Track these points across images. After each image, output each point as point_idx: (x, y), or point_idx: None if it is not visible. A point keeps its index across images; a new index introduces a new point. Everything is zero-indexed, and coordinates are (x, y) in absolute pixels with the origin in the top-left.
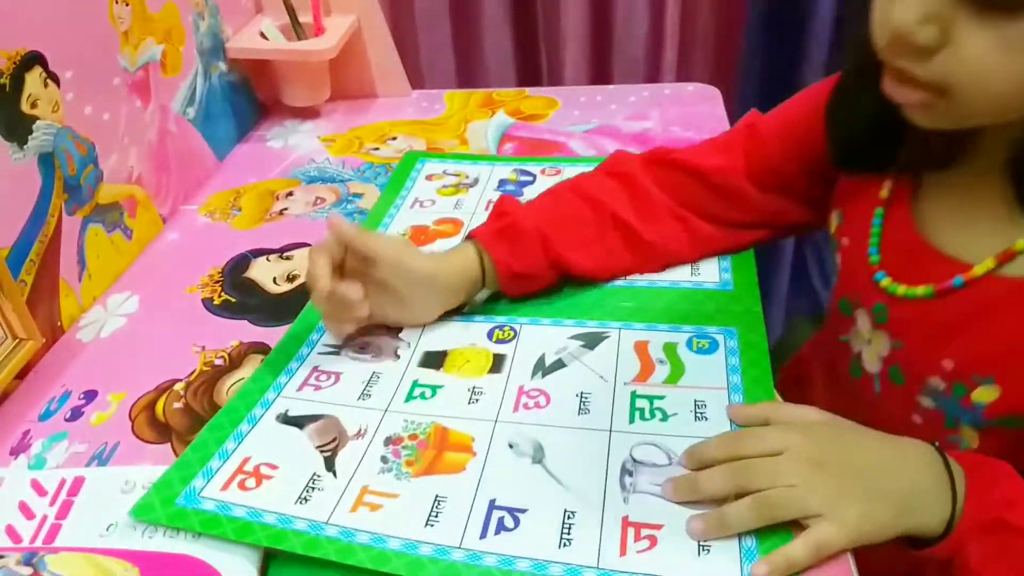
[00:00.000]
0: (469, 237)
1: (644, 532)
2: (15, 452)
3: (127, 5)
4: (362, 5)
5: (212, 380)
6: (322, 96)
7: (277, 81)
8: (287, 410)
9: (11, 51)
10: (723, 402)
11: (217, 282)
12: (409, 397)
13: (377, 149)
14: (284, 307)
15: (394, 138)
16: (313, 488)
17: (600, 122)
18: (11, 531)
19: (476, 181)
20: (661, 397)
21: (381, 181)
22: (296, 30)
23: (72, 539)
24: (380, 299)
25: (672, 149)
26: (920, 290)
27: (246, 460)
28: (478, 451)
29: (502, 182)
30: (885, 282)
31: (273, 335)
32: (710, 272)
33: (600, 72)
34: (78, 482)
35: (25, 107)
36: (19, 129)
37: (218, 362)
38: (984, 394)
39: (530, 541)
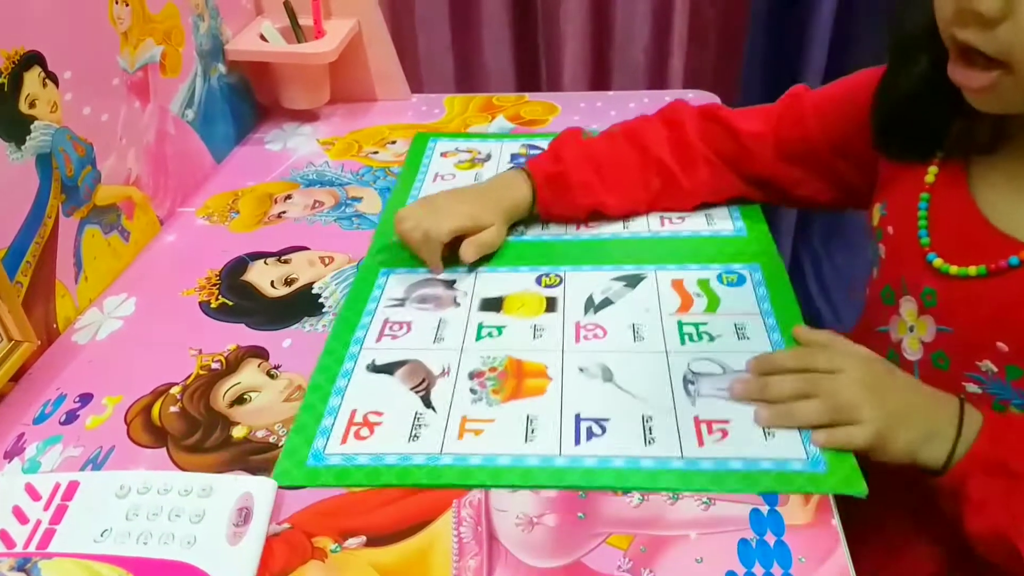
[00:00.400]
0: (527, 168)
1: (716, 426)
2: (9, 456)
3: (127, 5)
4: (362, 8)
5: (209, 384)
6: (321, 99)
7: (276, 84)
8: (374, 360)
9: (10, 50)
10: (759, 325)
11: (214, 285)
12: (479, 337)
13: (376, 153)
14: (282, 311)
15: (393, 142)
16: (420, 425)
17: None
18: (4, 536)
19: (489, 156)
20: (704, 324)
21: (380, 185)
22: (296, 33)
23: (66, 545)
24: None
25: (722, 107)
26: (973, 270)
27: (354, 412)
28: (553, 376)
29: (513, 156)
30: (938, 262)
31: (271, 339)
32: (724, 223)
33: (599, 77)
34: (72, 487)
35: (23, 107)
36: (17, 129)
37: (215, 366)
38: None
39: (619, 443)
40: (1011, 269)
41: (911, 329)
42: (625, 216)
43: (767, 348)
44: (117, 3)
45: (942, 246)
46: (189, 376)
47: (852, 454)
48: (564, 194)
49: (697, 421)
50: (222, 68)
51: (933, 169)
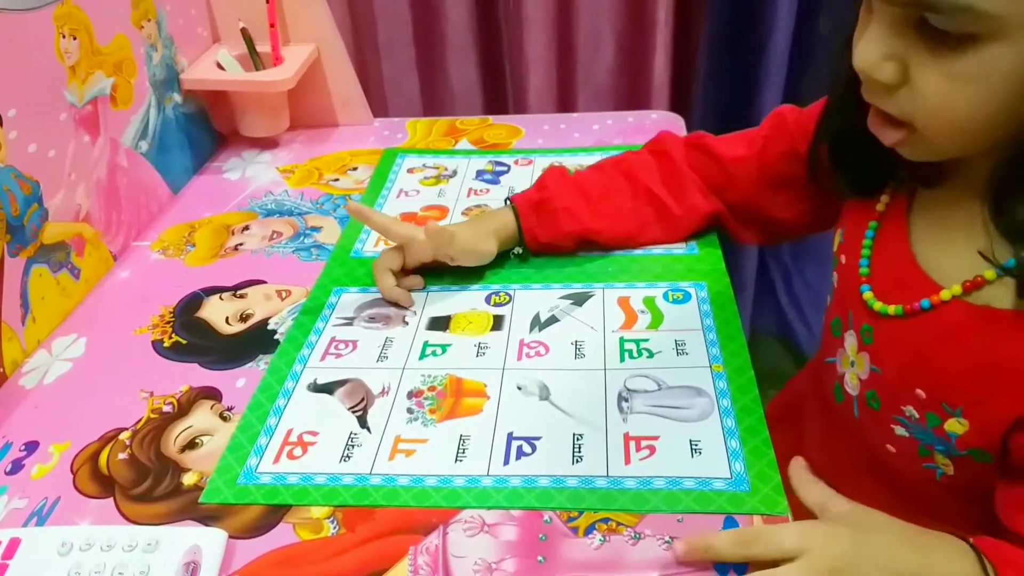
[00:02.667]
0: (511, 201)
1: (644, 443)
2: None
3: (75, 39)
4: (321, 34)
5: (160, 428)
6: (281, 126)
7: (234, 112)
8: (315, 379)
9: None
10: (700, 341)
11: (168, 323)
12: (423, 355)
13: (337, 180)
14: (236, 348)
15: (355, 168)
16: (353, 446)
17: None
18: None
19: (455, 172)
20: (646, 340)
21: (340, 213)
22: (254, 60)
23: None
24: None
25: (707, 136)
26: (892, 308)
27: (289, 432)
28: (491, 395)
29: (479, 172)
30: (867, 296)
31: (224, 379)
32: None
33: (566, 99)
34: (14, 544)
35: None
36: None
37: (166, 409)
38: (956, 426)
39: (547, 462)
40: (923, 312)
41: (852, 364)
42: (619, 245)
43: (705, 363)
44: (64, 37)
45: (876, 280)
46: (139, 420)
47: (777, 475)
48: (549, 219)
49: (627, 438)
50: (177, 97)
51: (884, 198)
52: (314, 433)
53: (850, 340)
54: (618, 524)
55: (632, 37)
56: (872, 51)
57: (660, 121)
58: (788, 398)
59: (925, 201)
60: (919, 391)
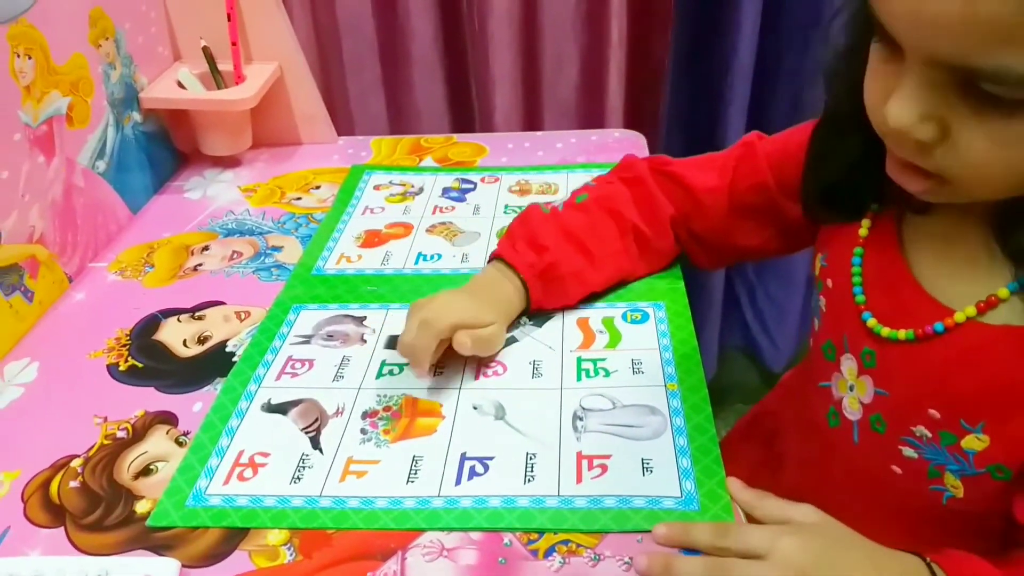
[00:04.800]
0: (513, 268)
1: (596, 462)
2: None
3: (30, 59)
4: (284, 52)
5: (113, 455)
6: (243, 145)
7: (195, 131)
8: (270, 399)
9: None
10: (656, 360)
11: (124, 346)
12: (379, 375)
13: (299, 199)
14: (194, 372)
15: (318, 187)
16: (304, 467)
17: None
18: None
19: (421, 190)
20: (603, 359)
21: (302, 232)
22: (215, 78)
23: None
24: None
25: (671, 161)
26: (902, 333)
27: (240, 453)
28: (447, 415)
29: (446, 190)
30: (872, 323)
31: (181, 403)
32: None
33: (532, 117)
34: None
35: None
36: None
37: (120, 434)
38: (974, 442)
39: (499, 482)
40: (937, 335)
41: (851, 388)
42: (614, 287)
43: (660, 382)
44: (19, 56)
45: (877, 306)
46: (92, 447)
47: (727, 495)
48: (556, 287)
49: (580, 457)
50: (137, 116)
51: (866, 222)
52: (265, 454)
53: (848, 364)
54: (578, 546)
55: (593, 55)
56: (909, 111)
57: (622, 139)
58: (759, 417)
59: (917, 225)
60: (932, 411)
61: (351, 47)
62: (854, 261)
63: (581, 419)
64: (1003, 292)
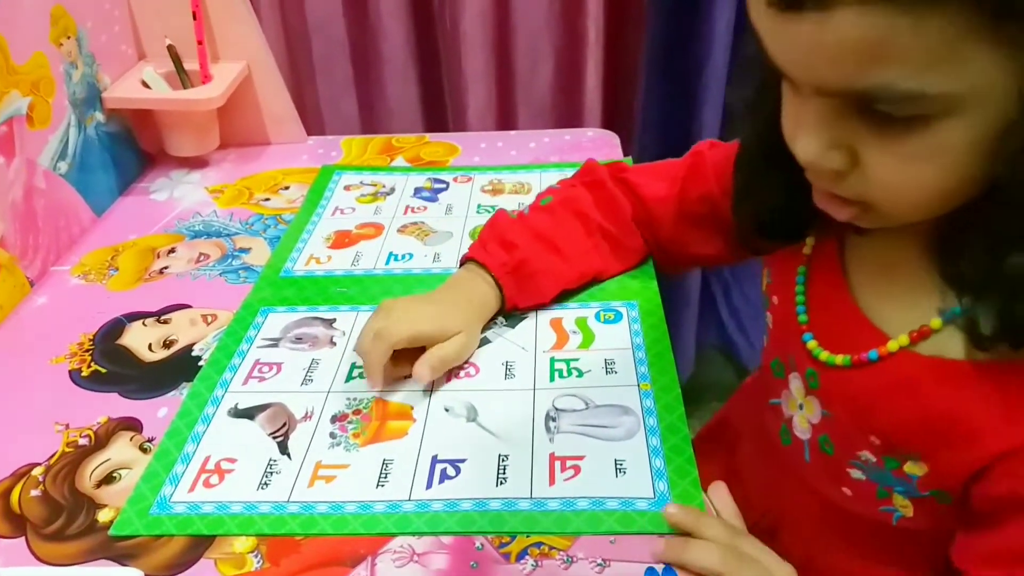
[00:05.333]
0: (485, 268)
1: (569, 463)
2: None
3: None
4: (252, 51)
5: (75, 463)
6: (210, 145)
7: (161, 131)
8: (236, 404)
9: None
10: (629, 359)
11: (87, 351)
12: (349, 378)
13: (268, 200)
14: (159, 376)
15: (286, 187)
16: (271, 472)
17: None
18: None
19: (392, 190)
20: (576, 360)
21: (271, 234)
22: (181, 78)
23: None
24: None
25: (628, 168)
26: (839, 359)
27: (207, 459)
28: (417, 417)
29: (417, 190)
30: (811, 344)
31: (145, 408)
32: None
33: (506, 116)
34: None
35: None
36: None
37: (82, 441)
38: (915, 468)
39: (471, 484)
40: (871, 363)
41: (800, 407)
42: (588, 285)
43: (633, 382)
44: None
45: (818, 327)
46: (54, 455)
47: (701, 494)
48: (528, 284)
49: (552, 458)
50: (100, 116)
51: (810, 240)
52: (232, 460)
53: (795, 383)
54: (550, 548)
55: (568, 54)
56: (816, 142)
57: (596, 139)
58: (723, 424)
59: (859, 246)
60: (873, 438)
61: (321, 47)
62: (798, 280)
63: (554, 420)
64: (936, 323)
